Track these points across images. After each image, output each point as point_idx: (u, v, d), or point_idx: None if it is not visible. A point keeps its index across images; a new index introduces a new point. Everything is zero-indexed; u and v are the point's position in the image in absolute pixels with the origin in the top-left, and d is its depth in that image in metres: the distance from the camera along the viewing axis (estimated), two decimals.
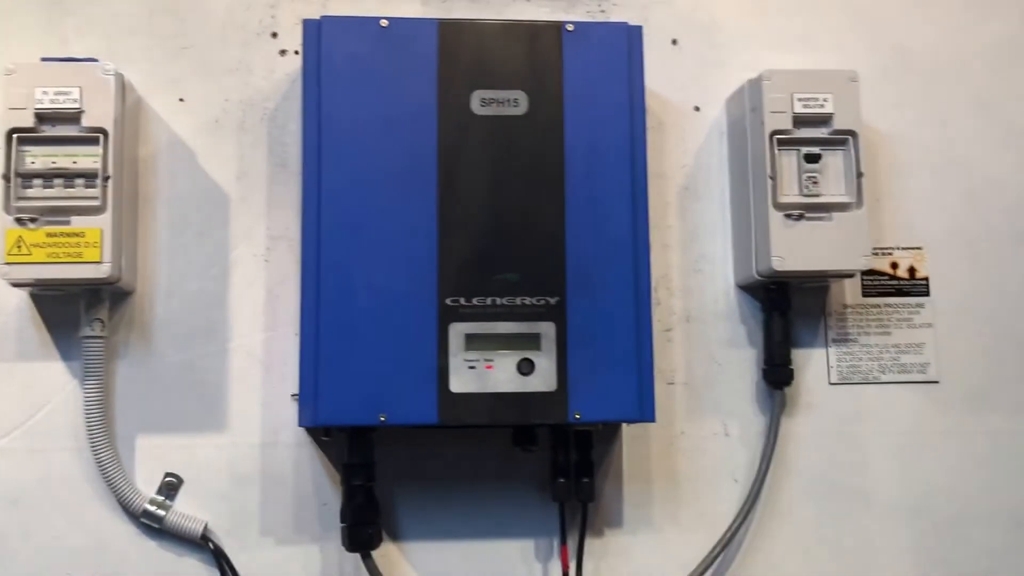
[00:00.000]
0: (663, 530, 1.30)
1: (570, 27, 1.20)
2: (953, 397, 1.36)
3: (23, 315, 1.24)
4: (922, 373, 1.36)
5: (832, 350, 1.35)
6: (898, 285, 1.37)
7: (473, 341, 1.14)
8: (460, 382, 1.13)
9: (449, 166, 1.16)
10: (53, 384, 1.24)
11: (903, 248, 1.38)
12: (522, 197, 1.17)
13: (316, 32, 1.17)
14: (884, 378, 1.35)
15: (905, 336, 1.36)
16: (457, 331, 1.14)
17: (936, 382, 1.36)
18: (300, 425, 1.14)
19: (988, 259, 1.39)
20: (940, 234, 1.39)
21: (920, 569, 1.33)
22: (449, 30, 1.18)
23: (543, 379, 1.15)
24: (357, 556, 1.20)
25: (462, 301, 1.15)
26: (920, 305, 1.37)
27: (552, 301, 1.16)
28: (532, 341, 1.15)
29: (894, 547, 1.33)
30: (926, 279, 1.37)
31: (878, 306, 1.37)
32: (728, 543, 1.28)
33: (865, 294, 1.37)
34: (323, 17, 1.18)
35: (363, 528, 1.19)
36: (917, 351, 1.36)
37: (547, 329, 1.15)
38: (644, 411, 1.16)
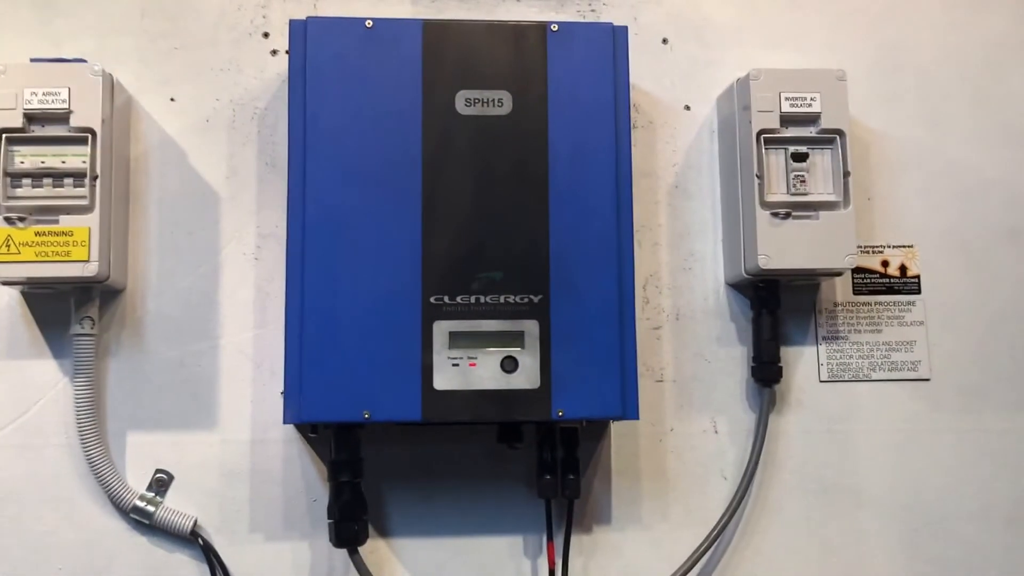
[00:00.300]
0: (652, 527, 1.30)
1: (555, 27, 1.20)
2: (944, 395, 1.36)
3: (14, 313, 1.25)
4: (913, 371, 1.36)
5: (822, 348, 1.35)
6: (889, 283, 1.37)
7: (457, 339, 1.15)
8: (444, 379, 1.14)
9: (433, 165, 1.16)
10: (44, 381, 1.25)
11: (894, 246, 1.37)
12: (506, 196, 1.17)
13: (302, 33, 1.18)
14: (875, 376, 1.35)
15: (896, 334, 1.36)
16: (441, 329, 1.15)
17: (927, 380, 1.36)
18: (285, 422, 1.15)
19: (980, 257, 1.38)
20: (931, 232, 1.38)
21: (910, 567, 1.33)
22: (433, 30, 1.19)
23: (526, 377, 1.15)
24: (345, 552, 1.20)
25: (446, 299, 1.15)
26: (911, 303, 1.37)
27: (536, 299, 1.16)
28: (516, 339, 1.15)
29: (884, 544, 1.33)
30: (917, 277, 1.37)
31: (869, 304, 1.36)
32: (717, 540, 1.28)
33: (856, 292, 1.36)
34: (309, 18, 1.18)
35: (350, 524, 1.19)
36: (908, 349, 1.36)
37: (531, 327, 1.16)
38: (627, 409, 1.16)
